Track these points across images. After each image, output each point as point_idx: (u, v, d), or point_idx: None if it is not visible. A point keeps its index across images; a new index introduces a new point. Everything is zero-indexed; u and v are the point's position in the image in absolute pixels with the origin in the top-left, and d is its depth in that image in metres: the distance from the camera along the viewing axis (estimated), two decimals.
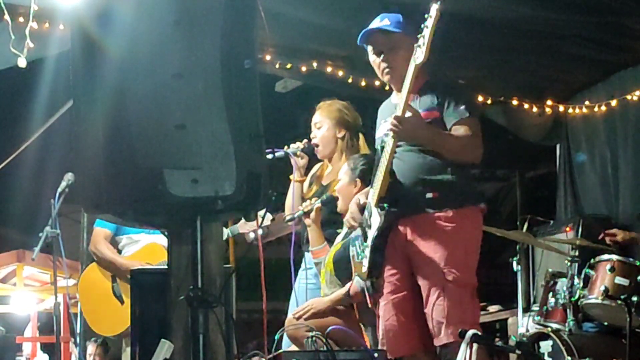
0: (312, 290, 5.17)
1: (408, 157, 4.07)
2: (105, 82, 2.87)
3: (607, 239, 5.97)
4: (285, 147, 5.21)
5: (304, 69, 6.69)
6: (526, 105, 7.52)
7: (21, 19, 5.37)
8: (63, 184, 5.43)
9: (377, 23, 4.22)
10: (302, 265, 5.29)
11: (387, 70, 4.16)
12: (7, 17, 5.18)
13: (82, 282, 5.73)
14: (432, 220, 3.99)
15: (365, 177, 4.85)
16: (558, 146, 7.84)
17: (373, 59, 4.22)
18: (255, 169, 2.91)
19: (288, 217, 5.10)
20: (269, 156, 4.98)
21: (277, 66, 6.56)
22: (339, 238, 4.98)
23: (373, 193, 4.07)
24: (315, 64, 6.67)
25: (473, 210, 4.08)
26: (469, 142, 3.99)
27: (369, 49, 4.24)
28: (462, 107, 3.97)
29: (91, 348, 9.08)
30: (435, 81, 4.13)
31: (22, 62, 5.18)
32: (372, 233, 4.09)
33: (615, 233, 5.98)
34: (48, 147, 7.24)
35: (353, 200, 4.27)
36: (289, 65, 6.64)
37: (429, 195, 4.01)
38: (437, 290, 3.94)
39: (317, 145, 5.23)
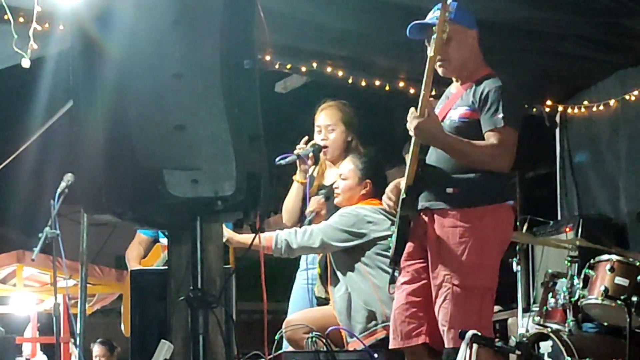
0: (313, 292, 5.18)
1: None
2: (105, 82, 2.87)
3: None
4: (297, 149, 5.17)
5: (303, 69, 6.69)
6: (525, 105, 7.51)
7: (21, 20, 5.38)
8: (63, 184, 5.43)
9: (431, 14, 4.08)
10: (303, 266, 5.28)
11: (439, 63, 4.04)
12: (9, 17, 5.18)
13: None
14: (449, 217, 3.94)
15: (369, 174, 4.88)
16: (558, 146, 7.84)
17: (428, 51, 4.03)
18: (255, 170, 2.90)
19: (307, 221, 5.07)
20: (282, 162, 5.05)
21: (277, 66, 6.56)
22: None
23: (404, 180, 4.04)
24: (315, 65, 6.67)
25: (497, 208, 3.98)
26: (493, 152, 3.89)
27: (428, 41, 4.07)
28: (500, 115, 3.88)
29: (97, 349, 9.10)
30: (489, 78, 4.01)
31: (25, 63, 5.17)
32: (396, 220, 4.08)
33: None
34: (48, 148, 7.23)
35: (393, 182, 4.22)
36: (288, 66, 6.65)
37: (449, 190, 3.95)
38: (444, 292, 3.89)
39: (326, 147, 5.21)
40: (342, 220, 4.76)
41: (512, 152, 3.95)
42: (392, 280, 4.15)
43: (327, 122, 5.23)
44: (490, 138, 3.91)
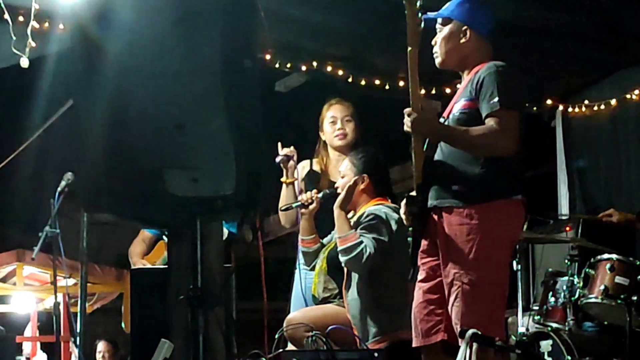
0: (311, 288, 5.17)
1: (445, 144, 3.99)
2: (105, 82, 2.88)
3: (604, 220, 5.96)
4: (282, 153, 5.21)
5: (303, 68, 6.70)
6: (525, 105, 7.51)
7: (21, 19, 5.38)
8: (63, 183, 5.43)
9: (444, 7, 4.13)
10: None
11: (434, 54, 4.07)
12: (7, 17, 5.19)
13: None
14: (456, 214, 3.91)
15: (366, 169, 4.88)
16: (558, 146, 7.85)
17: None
18: (255, 169, 2.91)
19: (284, 206, 5.10)
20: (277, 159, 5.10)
21: (277, 66, 6.57)
22: (333, 236, 4.95)
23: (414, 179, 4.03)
24: (315, 64, 6.67)
25: (503, 203, 3.95)
26: (494, 137, 3.84)
27: None
28: (496, 98, 3.84)
29: (101, 346, 9.11)
30: (486, 66, 3.98)
31: (24, 62, 5.18)
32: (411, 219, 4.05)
33: (612, 214, 5.96)
34: (48, 147, 7.23)
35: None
36: (288, 65, 6.65)
37: (455, 187, 3.92)
38: (455, 291, 3.87)
39: (345, 135, 5.26)
40: (374, 227, 4.75)
41: (514, 134, 3.89)
42: (412, 279, 4.14)
43: (343, 112, 5.30)
44: (489, 122, 3.87)
